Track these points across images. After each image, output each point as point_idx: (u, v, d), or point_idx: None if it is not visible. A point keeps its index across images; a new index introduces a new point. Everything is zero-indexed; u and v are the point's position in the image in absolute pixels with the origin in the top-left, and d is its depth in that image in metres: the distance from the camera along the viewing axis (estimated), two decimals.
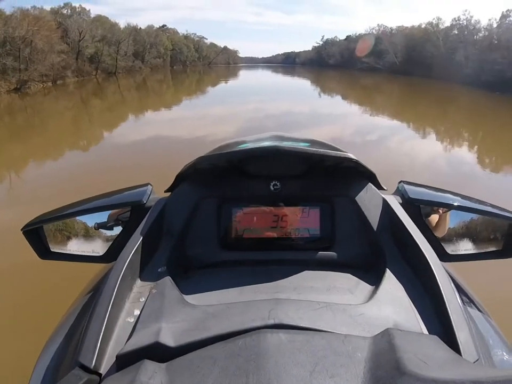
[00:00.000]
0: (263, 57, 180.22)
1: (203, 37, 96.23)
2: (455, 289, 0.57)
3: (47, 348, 0.68)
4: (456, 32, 42.74)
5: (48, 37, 28.89)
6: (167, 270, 0.65)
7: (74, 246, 0.82)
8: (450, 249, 0.81)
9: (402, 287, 0.60)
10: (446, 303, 0.52)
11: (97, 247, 0.82)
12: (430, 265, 0.58)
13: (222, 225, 0.75)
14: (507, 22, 32.80)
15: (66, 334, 0.69)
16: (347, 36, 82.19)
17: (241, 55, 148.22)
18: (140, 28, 53.86)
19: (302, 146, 0.72)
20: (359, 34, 70.72)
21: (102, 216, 0.82)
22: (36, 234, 0.80)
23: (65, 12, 41.49)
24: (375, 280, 0.64)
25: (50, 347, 0.68)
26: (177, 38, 71.84)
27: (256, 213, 0.75)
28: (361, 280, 0.65)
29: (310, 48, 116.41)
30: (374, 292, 0.59)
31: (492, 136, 8.96)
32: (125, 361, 0.44)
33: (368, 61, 48.69)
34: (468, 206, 0.80)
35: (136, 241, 0.65)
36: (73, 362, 0.47)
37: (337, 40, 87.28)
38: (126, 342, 0.48)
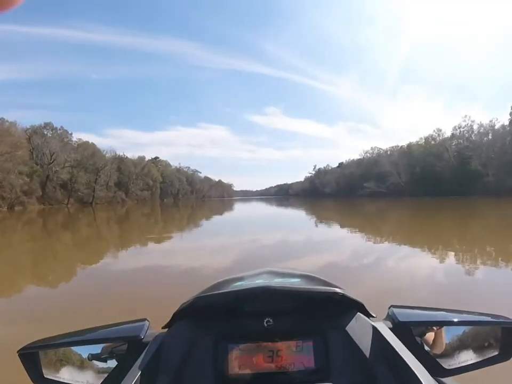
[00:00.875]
0: (257, 190, 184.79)
1: (197, 171, 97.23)
2: None
3: None
4: (462, 141, 40.11)
5: (11, 155, 25.31)
6: None
7: (68, 375, 0.82)
8: (447, 363, 0.81)
9: None
10: None
11: (91, 378, 0.81)
12: None
13: (218, 362, 0.76)
14: None
15: None
16: (339, 163, 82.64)
17: (235, 188, 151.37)
18: (127, 157, 52.75)
19: (292, 282, 0.80)
20: (352, 159, 70.80)
21: (97, 347, 0.82)
22: (31, 358, 0.81)
23: (45, 132, 39.70)
24: None
25: None
26: (169, 170, 71.24)
27: (252, 349, 0.76)
28: None
29: (303, 179, 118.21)
30: None
31: None
32: None
33: (370, 186, 45.43)
34: (458, 320, 0.82)
35: (134, 376, 0.66)
36: None
37: (330, 168, 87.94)
38: None
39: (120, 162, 48.38)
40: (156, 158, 72.35)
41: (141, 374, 0.67)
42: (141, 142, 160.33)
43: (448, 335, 0.83)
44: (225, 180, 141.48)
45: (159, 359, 0.74)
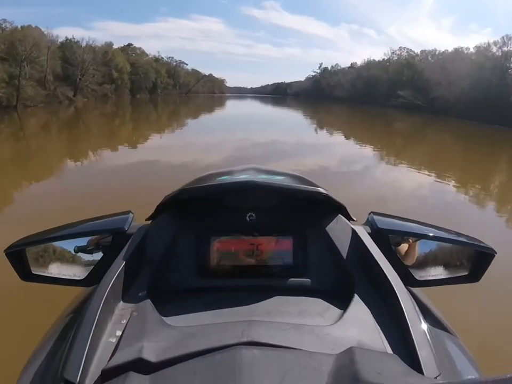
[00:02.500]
0: (251, 88, 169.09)
1: (182, 62, 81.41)
2: (419, 312, 0.61)
3: (29, 366, 0.69)
4: None
5: None
6: (148, 294, 0.67)
7: (56, 269, 0.84)
8: (418, 275, 0.85)
9: (368, 310, 0.63)
10: (409, 325, 0.55)
11: (78, 271, 0.84)
12: (394, 290, 0.62)
13: (200, 254, 0.79)
14: None
15: (48, 352, 0.70)
16: (352, 63, 68.57)
17: (228, 84, 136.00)
18: (77, 42, 37.38)
19: (276, 180, 0.80)
20: (372, 60, 56.73)
21: (83, 240, 0.84)
22: (18, 256, 0.83)
23: None
24: (343, 304, 0.66)
25: (33, 365, 0.69)
26: (144, 60, 56.71)
27: (233, 242, 0.79)
28: (331, 305, 0.68)
29: (303, 79, 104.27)
30: (341, 315, 0.62)
31: None
32: (110, 376, 0.47)
33: (405, 95, 33.53)
34: (434, 235, 0.85)
35: (118, 266, 0.68)
36: (58, 379, 0.50)
37: (339, 68, 73.89)
38: (109, 359, 0.51)
39: (66, 49, 34.83)
40: (129, 44, 57.08)
41: (124, 264, 0.68)
42: (129, 35, 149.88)
43: (422, 249, 0.85)
44: (217, 75, 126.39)
45: (143, 250, 0.75)
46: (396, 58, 47.54)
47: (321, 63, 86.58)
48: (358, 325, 0.59)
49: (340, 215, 0.82)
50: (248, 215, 0.80)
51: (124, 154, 8.45)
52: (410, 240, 0.85)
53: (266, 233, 0.79)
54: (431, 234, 0.84)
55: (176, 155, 7.95)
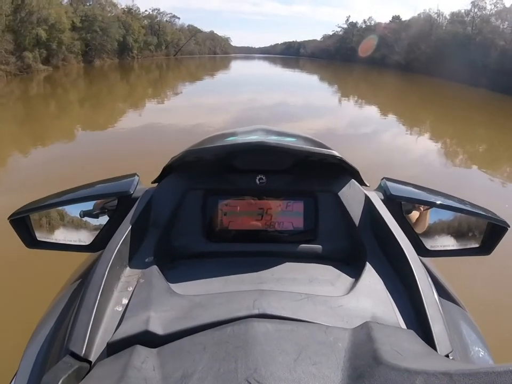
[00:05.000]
0: (260, 47, 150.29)
1: (174, 16, 64.49)
2: (432, 284, 0.58)
3: (36, 336, 0.68)
4: None
5: None
6: (154, 259, 0.66)
7: (61, 235, 0.83)
8: (429, 245, 0.84)
9: (381, 280, 0.61)
10: (423, 298, 0.54)
11: (84, 236, 0.83)
12: (408, 260, 0.60)
13: (207, 217, 0.77)
14: None
15: (54, 322, 0.69)
16: (394, 17, 51.13)
17: (234, 44, 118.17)
18: None
19: (288, 141, 0.75)
20: (436, 12, 38.53)
21: (88, 205, 0.83)
22: (22, 223, 0.81)
23: None
24: (355, 273, 0.65)
25: (39, 335, 0.68)
26: (107, 12, 40.54)
27: (242, 205, 0.77)
28: (342, 273, 0.67)
29: (317, 38, 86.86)
30: (353, 285, 0.60)
31: None
32: (115, 348, 0.45)
33: None
34: (448, 205, 0.83)
35: (123, 231, 0.66)
36: (64, 350, 0.48)
37: (373, 22, 55.99)
38: (115, 330, 0.49)
39: None
40: None
41: (130, 229, 0.67)
42: None
43: (434, 218, 0.83)
44: (220, 33, 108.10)
45: (149, 213, 0.74)
46: (487, 11, 29.54)
47: (349, 16, 68.57)
48: (371, 296, 0.57)
49: (352, 179, 0.80)
50: (257, 177, 0.77)
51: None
52: (422, 208, 0.83)
53: (276, 196, 0.77)
54: (443, 203, 0.81)
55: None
